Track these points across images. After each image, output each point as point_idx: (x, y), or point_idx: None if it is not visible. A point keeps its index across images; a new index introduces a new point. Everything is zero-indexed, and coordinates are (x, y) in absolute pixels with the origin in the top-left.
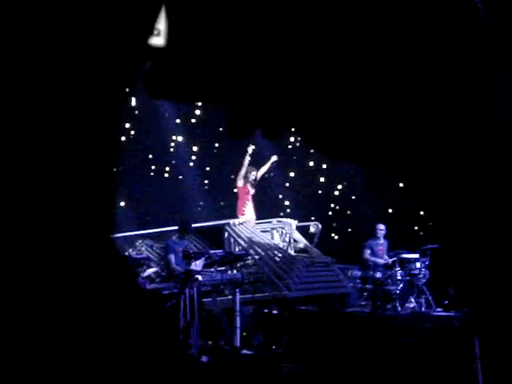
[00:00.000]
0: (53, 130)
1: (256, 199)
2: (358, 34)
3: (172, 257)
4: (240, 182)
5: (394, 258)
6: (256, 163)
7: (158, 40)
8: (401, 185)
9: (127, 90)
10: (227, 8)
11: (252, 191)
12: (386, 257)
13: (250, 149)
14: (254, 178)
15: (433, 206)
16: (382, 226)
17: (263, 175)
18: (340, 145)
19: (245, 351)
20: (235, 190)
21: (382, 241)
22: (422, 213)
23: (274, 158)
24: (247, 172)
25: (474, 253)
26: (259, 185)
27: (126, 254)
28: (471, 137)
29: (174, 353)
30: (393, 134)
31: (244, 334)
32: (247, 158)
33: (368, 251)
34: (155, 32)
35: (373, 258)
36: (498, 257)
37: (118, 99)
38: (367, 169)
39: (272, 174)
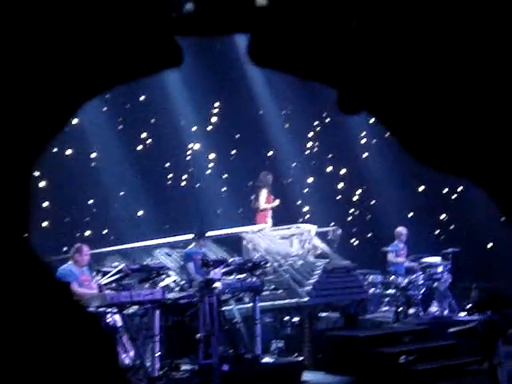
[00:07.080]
0: None
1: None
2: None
3: (191, 265)
4: (262, 207)
5: (415, 264)
6: (275, 169)
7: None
8: (420, 189)
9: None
10: None
11: (271, 198)
12: (406, 261)
13: (276, 202)
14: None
15: None
16: (404, 231)
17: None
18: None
19: (266, 359)
20: (252, 197)
21: (402, 245)
22: (442, 217)
23: (277, 203)
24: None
25: None
26: (278, 191)
27: (145, 263)
28: None
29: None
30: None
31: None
32: (270, 206)
33: (393, 254)
34: None
35: (398, 259)
36: None
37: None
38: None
39: (290, 180)
